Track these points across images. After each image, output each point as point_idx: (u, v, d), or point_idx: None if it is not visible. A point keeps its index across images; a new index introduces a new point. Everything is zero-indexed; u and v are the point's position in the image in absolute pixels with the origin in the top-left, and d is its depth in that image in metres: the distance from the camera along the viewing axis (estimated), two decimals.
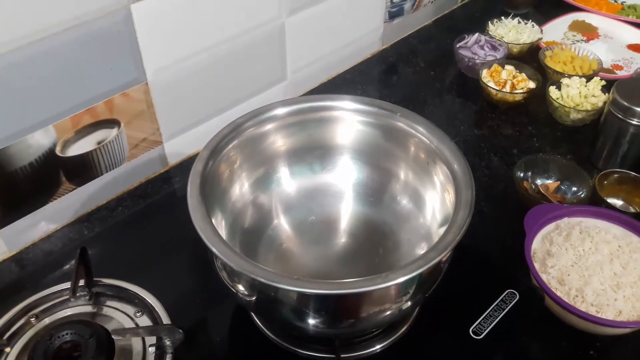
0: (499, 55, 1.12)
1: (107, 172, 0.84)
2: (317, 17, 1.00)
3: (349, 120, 0.74)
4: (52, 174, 0.78)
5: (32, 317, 0.63)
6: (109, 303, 0.65)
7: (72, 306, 0.65)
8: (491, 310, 0.71)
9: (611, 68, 1.14)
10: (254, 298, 0.60)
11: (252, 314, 0.71)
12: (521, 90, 1.02)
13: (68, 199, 0.81)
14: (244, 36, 0.90)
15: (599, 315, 0.66)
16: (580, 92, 0.99)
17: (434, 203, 0.71)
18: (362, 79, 1.13)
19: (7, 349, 0.60)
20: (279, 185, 0.77)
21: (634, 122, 0.85)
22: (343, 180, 0.78)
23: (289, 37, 0.98)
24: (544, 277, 0.70)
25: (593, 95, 0.98)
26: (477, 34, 1.16)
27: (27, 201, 0.77)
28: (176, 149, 0.92)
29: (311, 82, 1.09)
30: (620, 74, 1.13)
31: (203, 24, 0.83)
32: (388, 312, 0.59)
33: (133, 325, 0.63)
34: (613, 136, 0.89)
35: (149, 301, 0.64)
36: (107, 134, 0.81)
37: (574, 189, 0.85)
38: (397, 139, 0.73)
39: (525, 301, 0.73)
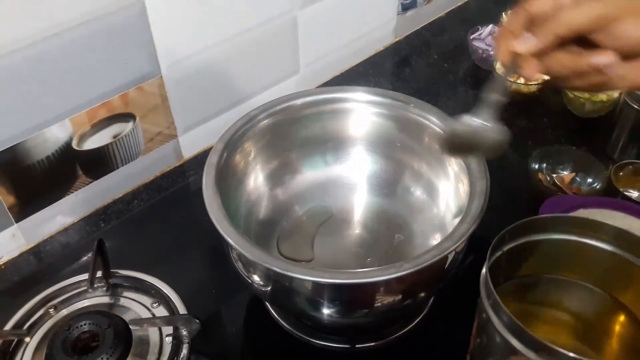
0: None
1: (122, 165, 0.85)
2: (329, 9, 1.00)
3: (363, 112, 0.75)
4: (69, 167, 0.79)
5: (50, 308, 0.64)
6: (125, 294, 0.66)
7: (89, 297, 0.65)
8: None
9: None
10: (269, 288, 0.60)
11: (267, 304, 0.72)
12: (536, 82, 1.01)
13: (84, 193, 0.82)
14: (256, 29, 0.90)
15: None
16: None
17: (448, 194, 0.71)
18: (374, 72, 1.13)
19: (27, 339, 0.61)
20: (293, 177, 0.77)
21: None
22: (357, 172, 0.78)
23: (302, 30, 0.98)
24: None
25: None
26: (491, 26, 1.15)
27: (44, 194, 0.78)
28: (191, 142, 0.92)
29: (324, 75, 1.09)
30: None
31: (216, 18, 0.84)
32: (402, 302, 0.59)
33: (150, 316, 0.63)
34: (629, 127, 0.88)
35: (166, 292, 0.65)
36: (122, 128, 0.82)
37: (590, 180, 0.85)
38: (411, 129, 0.73)
39: None
